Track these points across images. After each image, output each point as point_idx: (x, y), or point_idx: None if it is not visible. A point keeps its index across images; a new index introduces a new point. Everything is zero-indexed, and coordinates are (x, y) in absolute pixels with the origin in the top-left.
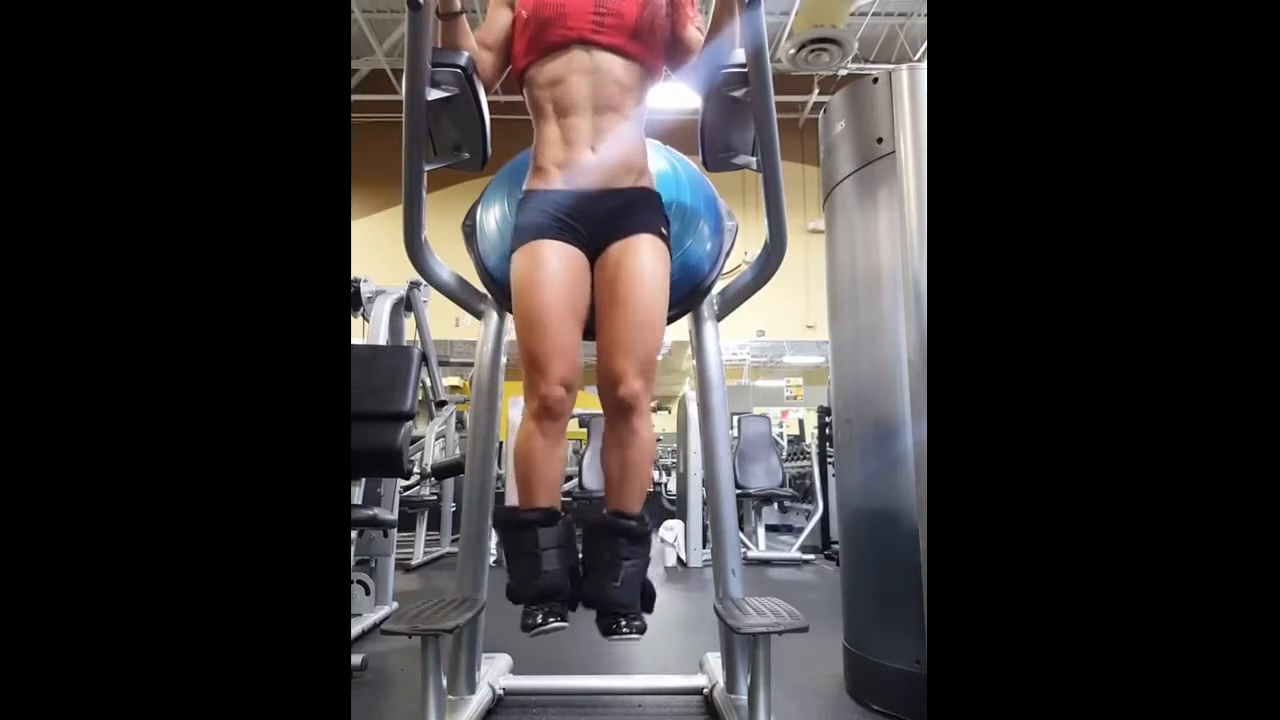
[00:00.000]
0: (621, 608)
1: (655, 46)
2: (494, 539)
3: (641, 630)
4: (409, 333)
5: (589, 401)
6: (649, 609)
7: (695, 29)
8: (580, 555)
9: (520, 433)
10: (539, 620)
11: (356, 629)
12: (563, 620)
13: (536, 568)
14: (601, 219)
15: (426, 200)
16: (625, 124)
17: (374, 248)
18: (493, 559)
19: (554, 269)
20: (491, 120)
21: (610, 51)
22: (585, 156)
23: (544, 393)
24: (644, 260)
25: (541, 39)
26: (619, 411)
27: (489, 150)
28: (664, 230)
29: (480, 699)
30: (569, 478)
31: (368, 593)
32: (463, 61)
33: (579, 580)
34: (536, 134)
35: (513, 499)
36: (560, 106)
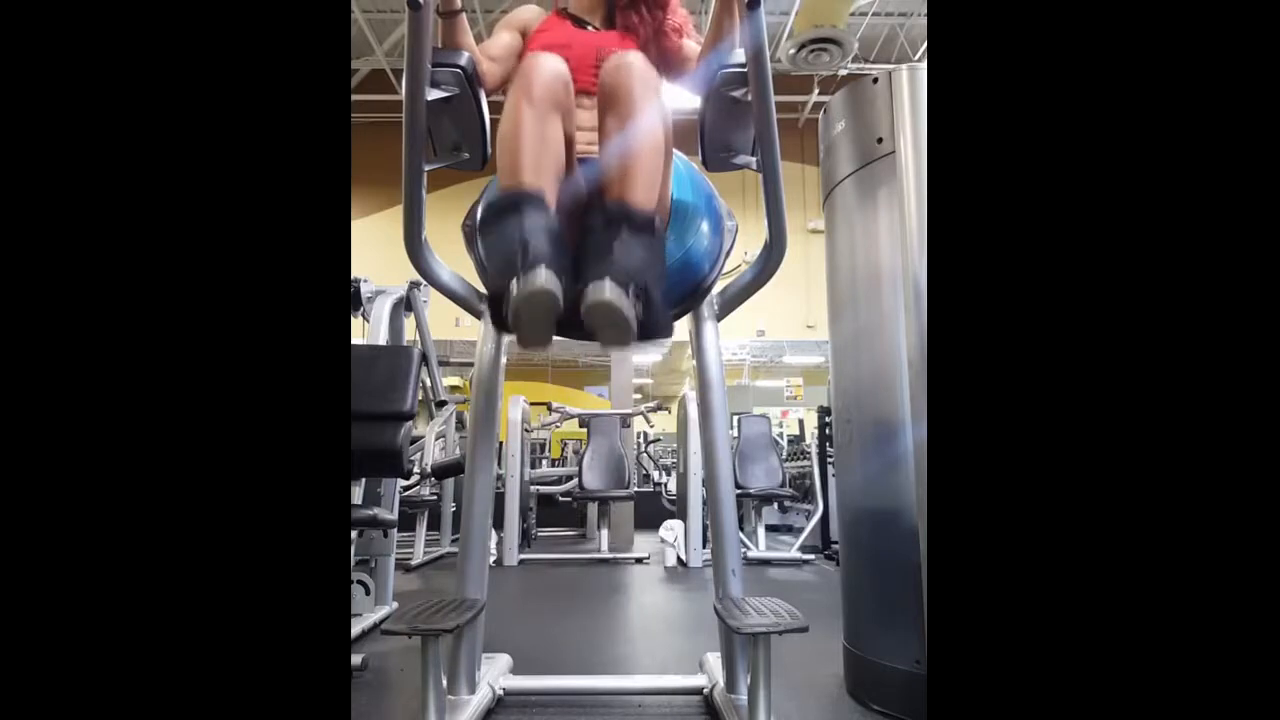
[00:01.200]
0: (610, 274)
1: None
2: (494, 538)
3: (631, 330)
4: (409, 333)
5: (589, 402)
6: (654, 332)
7: (691, 43)
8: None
9: (505, 110)
10: (524, 280)
11: (356, 629)
12: (555, 274)
13: (523, 249)
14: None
15: (426, 200)
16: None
17: (374, 248)
18: (492, 559)
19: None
20: (492, 120)
21: None
22: (585, 148)
23: (537, 63)
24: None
25: None
26: (615, 78)
27: (489, 150)
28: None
29: (480, 699)
30: (569, 477)
31: (368, 593)
32: (463, 61)
33: (571, 259)
34: None
35: (514, 489)
36: None
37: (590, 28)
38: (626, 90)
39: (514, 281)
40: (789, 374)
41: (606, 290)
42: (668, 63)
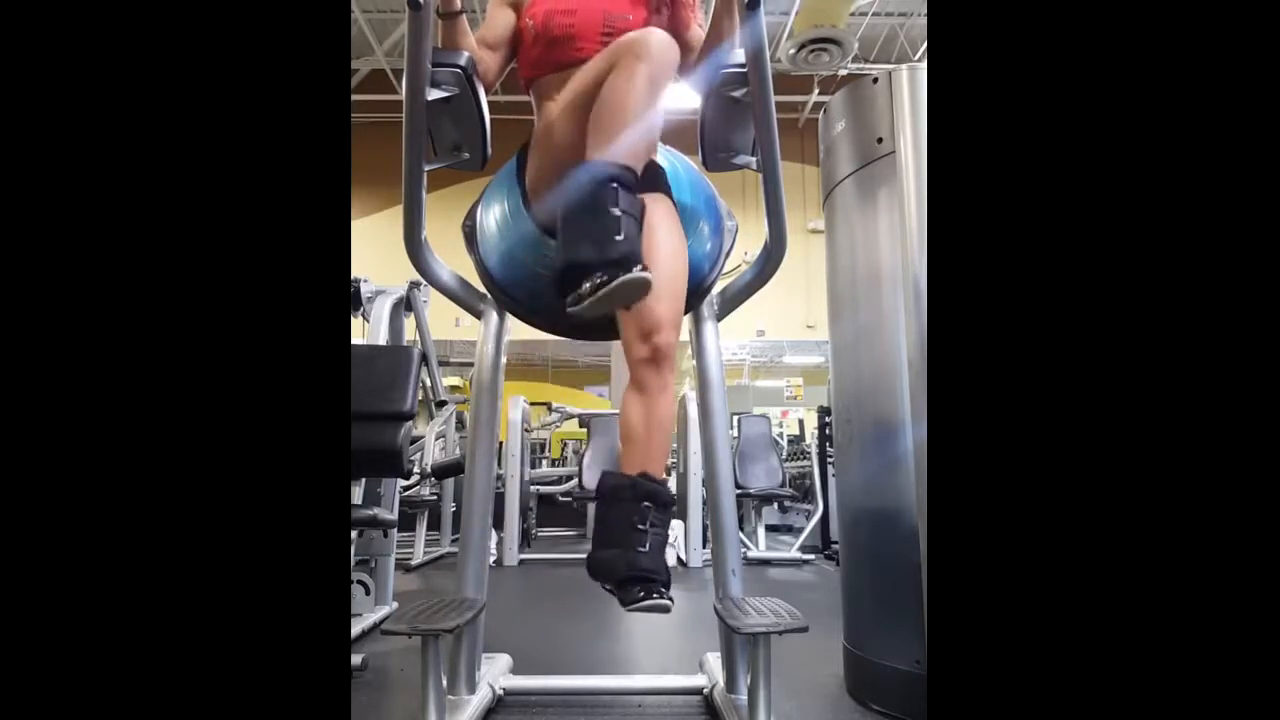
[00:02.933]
0: (651, 573)
1: None
2: (494, 538)
3: (669, 605)
4: (409, 333)
5: (590, 402)
6: (668, 587)
7: (697, 27)
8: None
9: (619, 78)
10: (641, 596)
11: (356, 629)
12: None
13: (617, 237)
14: None
15: (426, 200)
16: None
17: (374, 248)
18: (492, 559)
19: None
20: (491, 120)
21: None
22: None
23: (654, 49)
24: (658, 217)
25: (550, 58)
26: (651, 362)
27: (489, 150)
28: (666, 190)
29: (480, 699)
30: (569, 477)
31: (368, 593)
32: (463, 61)
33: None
34: (540, 123)
35: (514, 489)
36: None
37: None
38: (659, 372)
39: (601, 273)
40: (789, 374)
41: (655, 598)
42: (677, 39)
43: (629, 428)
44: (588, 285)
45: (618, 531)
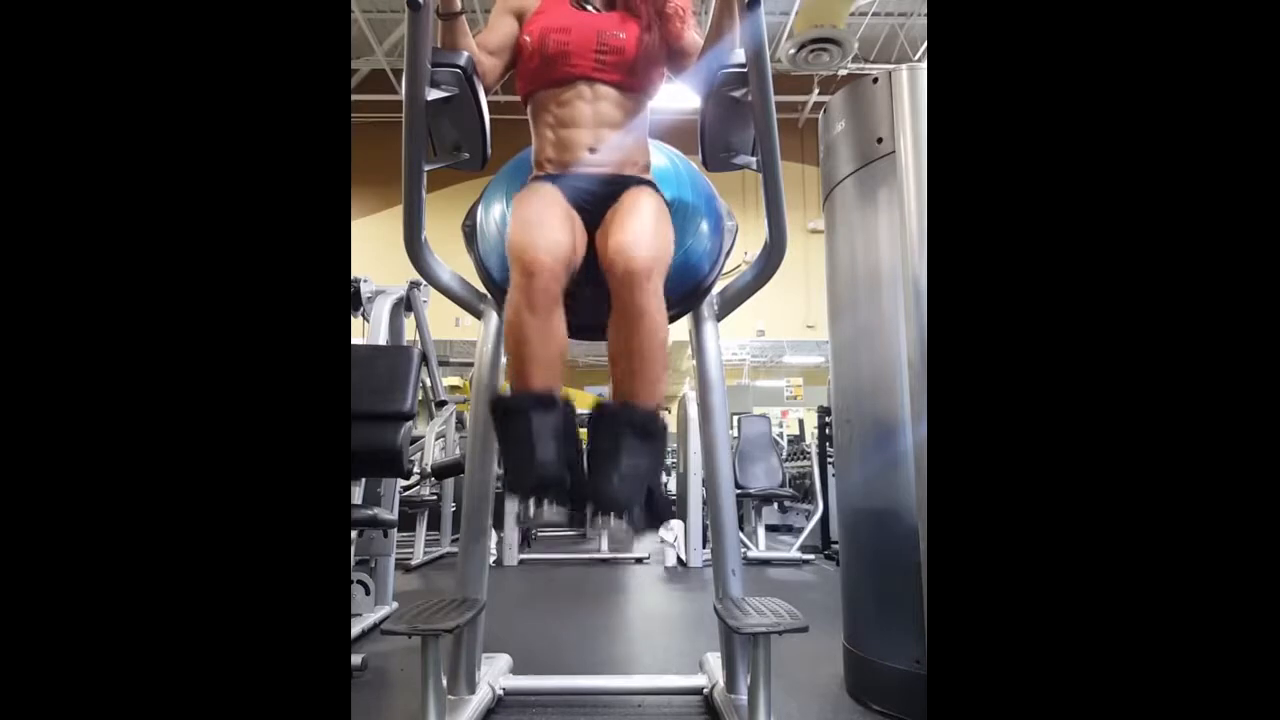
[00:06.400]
0: (615, 505)
1: (653, 72)
2: (494, 538)
3: (637, 530)
4: (409, 333)
5: (589, 402)
6: (659, 519)
7: (693, 34)
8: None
9: (507, 310)
10: (534, 513)
11: (356, 629)
12: (563, 507)
13: (531, 455)
14: (601, 196)
15: (426, 200)
16: (625, 133)
17: (374, 247)
18: (492, 559)
19: (555, 198)
20: (491, 120)
21: (611, 86)
22: (584, 156)
23: (528, 257)
24: (643, 198)
25: (546, 74)
26: (624, 280)
27: (489, 150)
28: (659, 192)
29: (480, 699)
30: None
31: (368, 593)
32: (463, 61)
33: (580, 473)
34: (536, 138)
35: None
36: (562, 122)
37: (590, 8)
38: (633, 292)
39: (530, 499)
40: (789, 374)
41: (613, 527)
42: (670, 51)
43: (611, 355)
44: (521, 510)
45: (598, 459)
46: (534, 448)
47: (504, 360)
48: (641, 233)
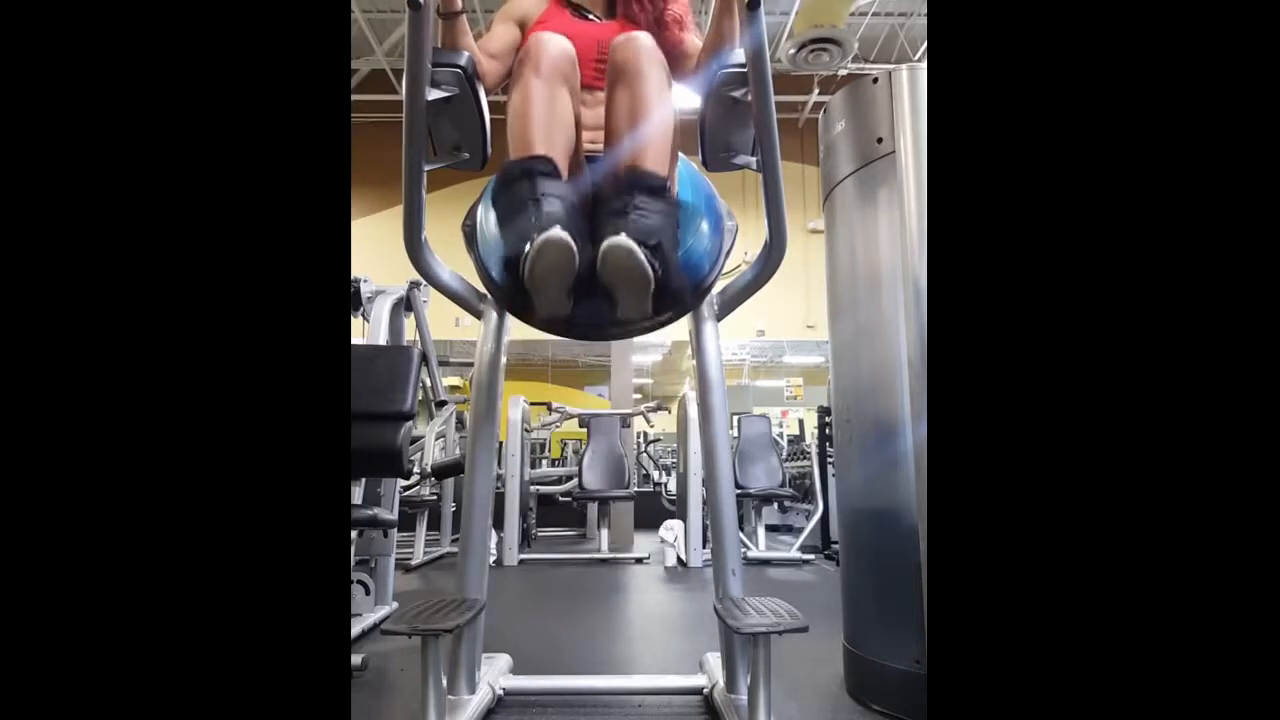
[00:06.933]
0: (626, 229)
1: None
2: (494, 538)
3: (647, 263)
4: (409, 333)
5: (589, 402)
6: (671, 294)
7: (692, 38)
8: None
9: (514, 96)
10: (538, 238)
11: (356, 629)
12: (568, 234)
13: (536, 210)
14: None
15: (426, 200)
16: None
17: (374, 247)
18: (492, 559)
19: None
20: (491, 120)
21: None
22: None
23: (539, 49)
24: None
25: None
26: (623, 61)
27: (489, 150)
28: None
29: (480, 699)
30: (569, 477)
31: (368, 593)
32: (463, 61)
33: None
34: None
35: (514, 489)
36: None
37: (591, 18)
38: (636, 64)
39: (528, 245)
40: (789, 374)
41: (623, 239)
42: (669, 56)
43: (612, 123)
44: (522, 265)
45: (604, 219)
46: (540, 205)
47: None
48: (646, 41)
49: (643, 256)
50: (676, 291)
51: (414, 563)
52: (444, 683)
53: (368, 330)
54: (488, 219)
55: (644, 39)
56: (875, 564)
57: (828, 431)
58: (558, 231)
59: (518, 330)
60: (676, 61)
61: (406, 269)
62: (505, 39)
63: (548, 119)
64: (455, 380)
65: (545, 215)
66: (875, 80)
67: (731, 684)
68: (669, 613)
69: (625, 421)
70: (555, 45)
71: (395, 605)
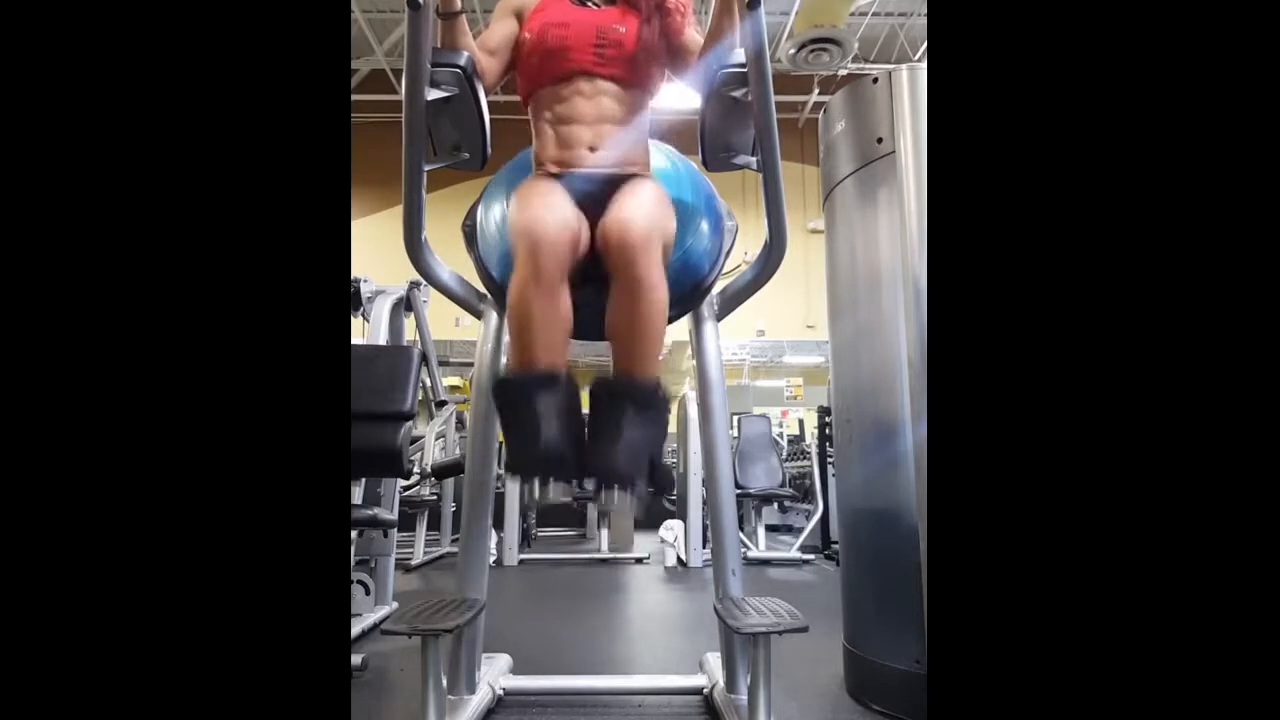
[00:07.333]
0: (617, 478)
1: (653, 68)
2: (494, 538)
3: (639, 498)
4: (409, 333)
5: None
6: (662, 489)
7: (693, 32)
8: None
9: (512, 291)
10: (538, 494)
11: (356, 629)
12: (567, 485)
13: (535, 435)
14: (601, 195)
15: (426, 200)
16: (625, 131)
17: (374, 247)
18: (492, 559)
19: (554, 187)
20: (491, 120)
21: (611, 80)
22: (584, 154)
23: (537, 228)
24: (643, 185)
25: (546, 70)
26: (622, 252)
27: (489, 150)
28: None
29: (480, 699)
30: None
31: (368, 593)
32: (463, 61)
33: (583, 449)
34: (537, 137)
35: (514, 489)
36: (562, 120)
37: (590, 4)
38: (631, 261)
39: (531, 487)
40: (789, 374)
41: (616, 500)
42: (670, 47)
43: (611, 328)
44: (525, 494)
45: (600, 431)
46: (538, 427)
47: (506, 340)
48: (639, 207)
49: (634, 502)
50: (663, 481)
51: (414, 563)
52: (444, 683)
53: (368, 330)
54: (488, 219)
55: (639, 218)
56: (875, 564)
57: (828, 431)
58: (556, 488)
59: None
60: (676, 56)
61: (406, 269)
62: (504, 33)
63: (548, 330)
64: (455, 380)
65: (545, 452)
66: (875, 80)
67: (731, 684)
68: (669, 613)
69: None
70: (550, 240)
71: (395, 605)
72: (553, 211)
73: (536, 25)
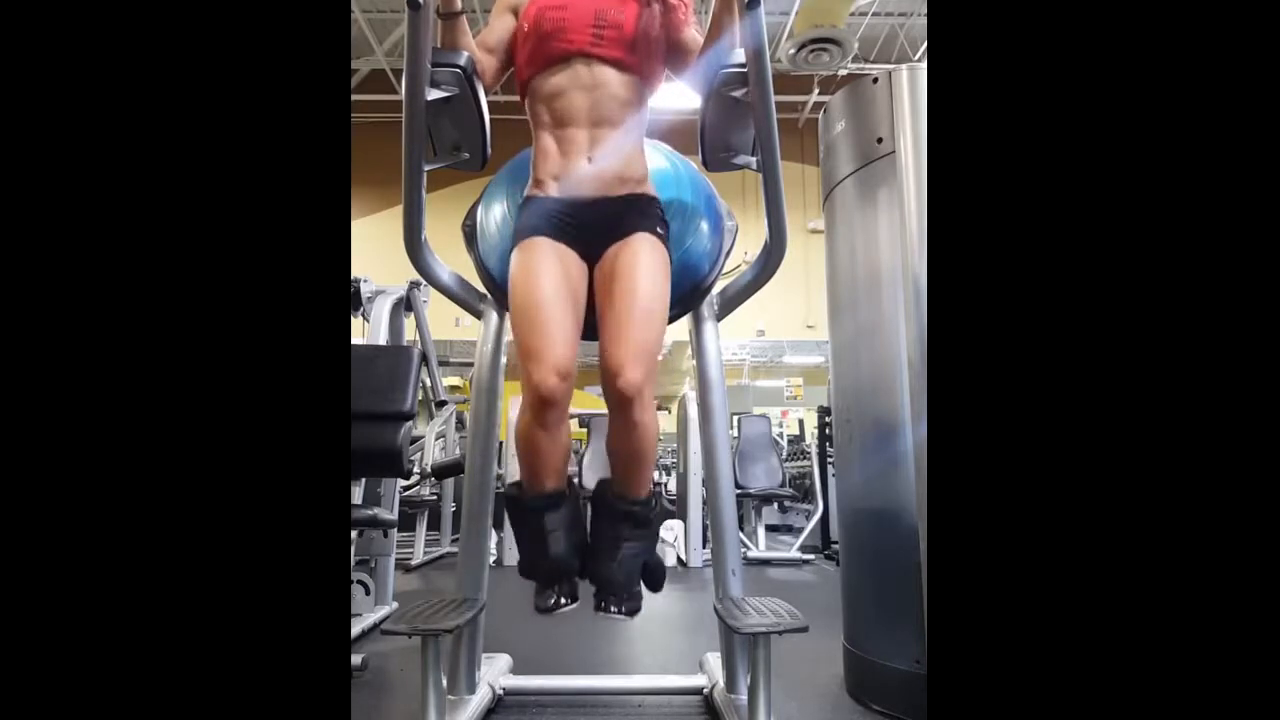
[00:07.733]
0: (616, 588)
1: (653, 57)
2: (494, 538)
3: (633, 612)
4: (409, 333)
5: (590, 402)
6: (656, 587)
7: (693, 30)
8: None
9: (519, 421)
10: (551, 602)
11: (356, 629)
12: (574, 599)
13: (545, 550)
14: (598, 224)
15: (426, 200)
16: (622, 134)
17: (374, 247)
18: (492, 559)
19: (551, 262)
20: (491, 120)
21: (609, 65)
22: (582, 166)
23: (539, 380)
24: (641, 257)
25: (542, 52)
26: (619, 402)
27: (489, 150)
28: (660, 230)
29: (480, 699)
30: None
31: (368, 593)
32: (462, 61)
33: (587, 552)
34: (535, 144)
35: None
36: (558, 119)
37: None
38: (628, 408)
39: (544, 596)
40: (789, 374)
41: (612, 610)
42: (670, 42)
43: (610, 457)
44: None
45: (600, 544)
46: (547, 543)
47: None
48: (633, 337)
49: (630, 609)
50: (656, 580)
51: (414, 563)
52: (444, 683)
53: (368, 330)
54: (488, 219)
55: (633, 376)
56: (875, 564)
57: (828, 431)
58: (568, 603)
59: None
60: (676, 53)
61: (406, 269)
62: (502, 29)
63: (554, 459)
64: (455, 380)
65: (554, 564)
66: (875, 80)
67: (731, 684)
68: (669, 613)
69: None
70: (554, 396)
71: (395, 605)
72: (556, 343)
73: (533, 10)
